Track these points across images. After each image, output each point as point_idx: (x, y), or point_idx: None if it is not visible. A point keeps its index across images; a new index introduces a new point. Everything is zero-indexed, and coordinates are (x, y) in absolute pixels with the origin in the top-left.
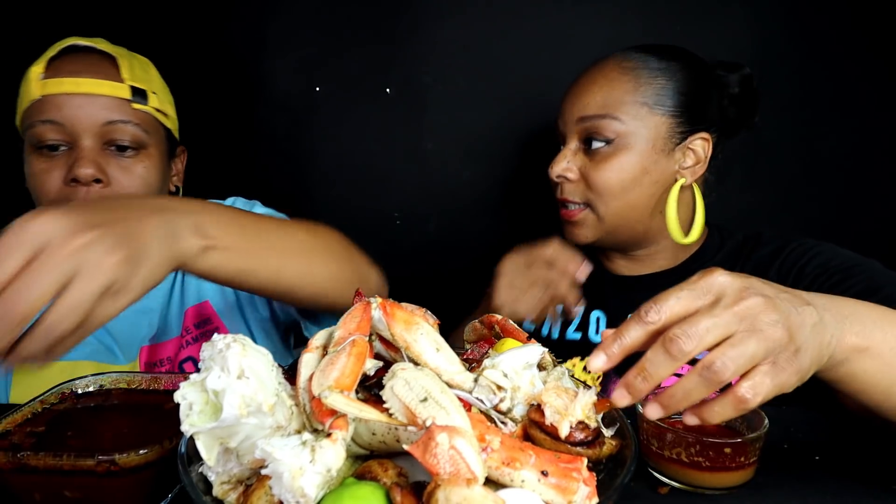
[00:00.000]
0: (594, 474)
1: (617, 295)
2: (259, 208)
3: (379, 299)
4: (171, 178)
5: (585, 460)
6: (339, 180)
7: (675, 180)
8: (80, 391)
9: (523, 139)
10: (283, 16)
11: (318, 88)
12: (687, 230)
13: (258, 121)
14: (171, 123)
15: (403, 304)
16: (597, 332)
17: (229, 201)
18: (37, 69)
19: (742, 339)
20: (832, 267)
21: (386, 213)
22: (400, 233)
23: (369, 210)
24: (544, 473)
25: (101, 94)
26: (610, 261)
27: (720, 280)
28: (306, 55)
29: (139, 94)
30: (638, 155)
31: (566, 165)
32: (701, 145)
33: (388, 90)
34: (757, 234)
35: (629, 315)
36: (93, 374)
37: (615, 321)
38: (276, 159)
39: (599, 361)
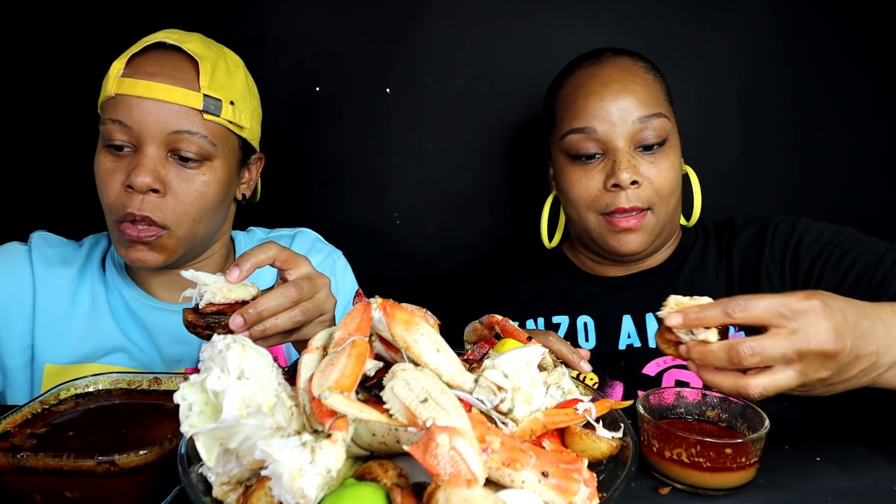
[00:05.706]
0: (595, 475)
1: (605, 295)
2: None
3: (379, 300)
4: (238, 186)
5: (586, 461)
6: (339, 180)
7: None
8: (80, 392)
9: (523, 139)
10: (283, 16)
11: (318, 88)
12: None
13: None
14: (248, 133)
15: (404, 305)
16: (586, 339)
17: (255, 232)
18: (118, 65)
19: (784, 370)
20: (826, 243)
21: (386, 213)
22: (400, 233)
23: (369, 210)
24: (545, 474)
25: (172, 102)
26: (599, 263)
27: (818, 322)
28: (306, 55)
29: (213, 105)
30: (678, 150)
31: (635, 169)
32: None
33: (388, 90)
34: (729, 219)
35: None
36: (93, 375)
37: (605, 323)
38: (276, 159)
39: (676, 319)
